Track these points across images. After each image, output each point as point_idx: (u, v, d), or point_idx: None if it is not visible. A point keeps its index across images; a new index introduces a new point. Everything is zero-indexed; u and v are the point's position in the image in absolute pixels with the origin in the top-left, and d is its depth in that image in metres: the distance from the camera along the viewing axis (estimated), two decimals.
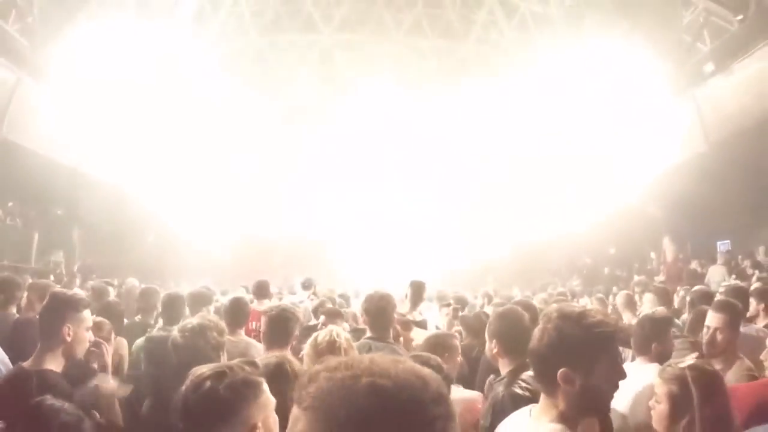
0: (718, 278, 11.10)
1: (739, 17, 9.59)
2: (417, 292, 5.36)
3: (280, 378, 2.25)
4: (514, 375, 2.60)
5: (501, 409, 2.39)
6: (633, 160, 14.17)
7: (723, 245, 13.47)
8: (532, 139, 17.04)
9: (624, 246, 16.48)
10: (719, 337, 3.05)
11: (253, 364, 1.69)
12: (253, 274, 14.14)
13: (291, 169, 20.84)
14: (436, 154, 19.93)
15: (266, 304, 5.62)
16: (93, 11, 12.72)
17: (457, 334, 4.29)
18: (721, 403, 1.87)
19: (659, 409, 2.09)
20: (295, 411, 0.87)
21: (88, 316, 2.74)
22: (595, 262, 17.01)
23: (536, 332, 1.66)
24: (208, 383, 1.54)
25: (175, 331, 3.02)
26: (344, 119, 18.83)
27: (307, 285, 8.36)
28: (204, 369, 1.61)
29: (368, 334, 3.80)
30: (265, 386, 1.62)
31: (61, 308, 2.63)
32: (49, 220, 13.29)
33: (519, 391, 2.47)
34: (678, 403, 2.03)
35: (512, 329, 2.77)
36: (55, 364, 2.54)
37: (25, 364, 2.56)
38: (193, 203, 18.82)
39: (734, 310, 3.19)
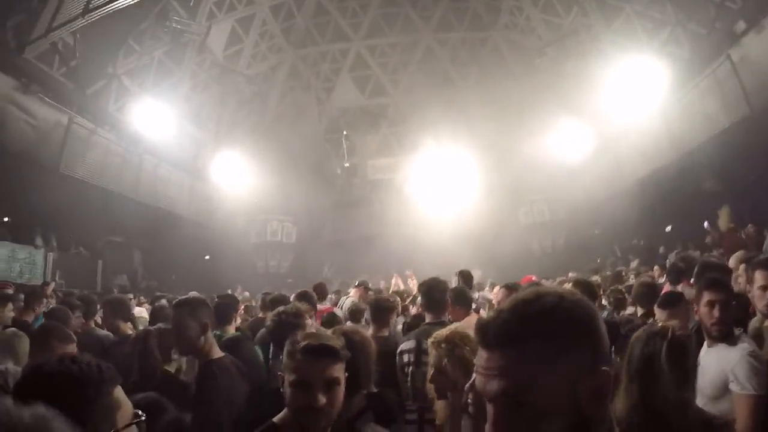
0: None
1: None
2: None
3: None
4: None
5: None
6: (676, 131, 13.63)
7: None
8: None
9: (680, 223, 15.77)
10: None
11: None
12: (306, 283, 14.73)
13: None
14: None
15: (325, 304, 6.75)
16: (130, 48, 13.65)
17: None
18: None
19: None
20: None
21: None
22: (650, 242, 16.36)
23: None
24: None
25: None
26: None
27: (359, 284, 8.84)
28: None
29: (427, 319, 4.04)
30: None
31: None
32: (112, 248, 14.30)
33: None
34: None
35: None
36: None
37: None
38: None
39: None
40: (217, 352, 2.97)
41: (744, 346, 2.78)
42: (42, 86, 11.25)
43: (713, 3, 11.06)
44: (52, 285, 10.37)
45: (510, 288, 5.18)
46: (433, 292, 4.02)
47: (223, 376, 2.83)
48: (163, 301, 7.46)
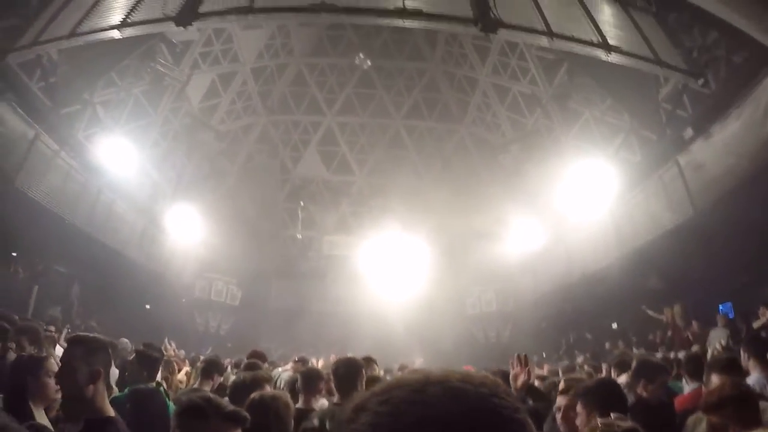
0: (717, 342, 10.99)
1: (701, 81, 10.15)
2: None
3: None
4: None
5: None
6: (623, 230, 14.48)
7: (724, 308, 13.35)
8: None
9: (625, 320, 16.34)
10: None
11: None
12: (246, 346, 14.09)
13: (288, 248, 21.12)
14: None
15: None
16: (111, 80, 13.68)
17: None
18: None
19: None
20: None
21: None
22: (597, 337, 16.78)
23: None
24: None
25: None
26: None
27: (298, 360, 8.71)
28: None
29: (335, 399, 4.05)
30: None
31: None
32: (51, 275, 13.47)
33: None
34: None
35: None
36: None
37: None
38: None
39: None
40: (109, 410, 2.52)
41: None
42: (17, 95, 11.00)
43: (665, 111, 12.31)
44: None
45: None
46: (343, 373, 4.09)
47: None
48: None
